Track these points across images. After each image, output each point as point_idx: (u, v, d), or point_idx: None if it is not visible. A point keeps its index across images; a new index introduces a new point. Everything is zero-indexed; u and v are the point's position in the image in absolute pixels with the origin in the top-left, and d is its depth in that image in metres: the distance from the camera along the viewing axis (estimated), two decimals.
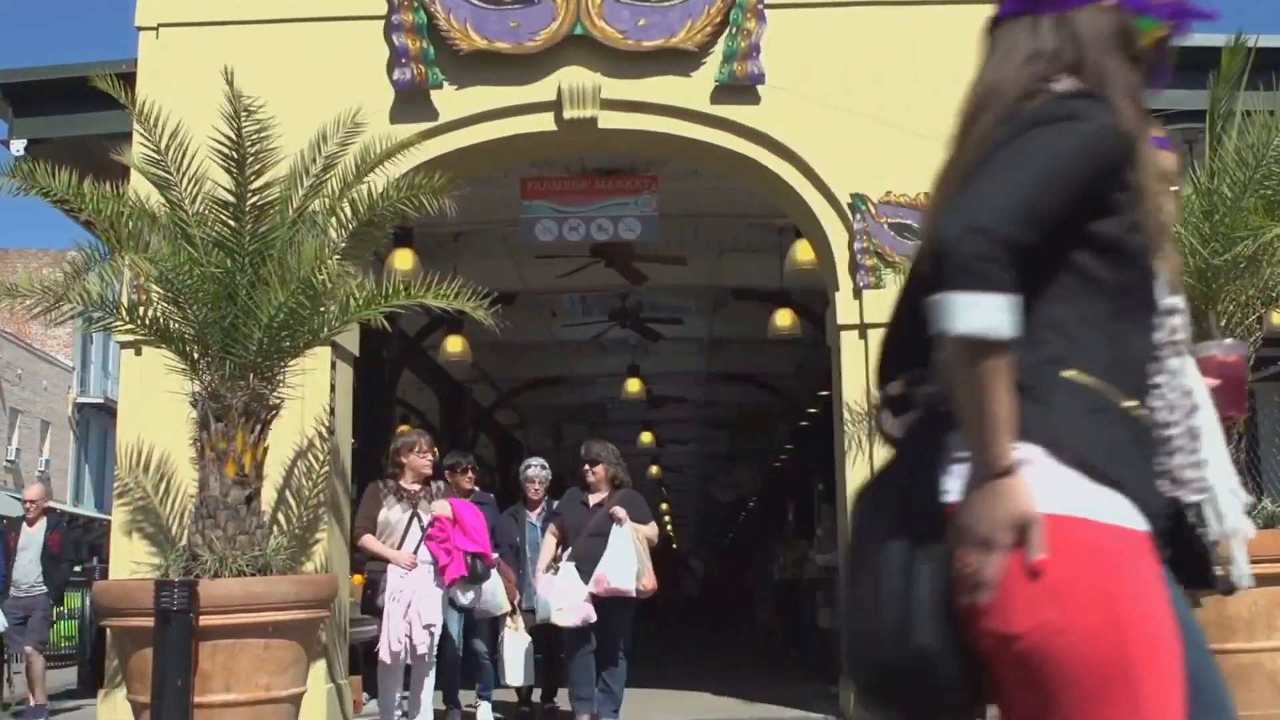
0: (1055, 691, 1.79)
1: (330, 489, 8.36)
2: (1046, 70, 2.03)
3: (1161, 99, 8.50)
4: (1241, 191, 6.91)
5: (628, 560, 7.69)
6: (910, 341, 2.11)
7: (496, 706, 8.65)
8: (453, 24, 8.58)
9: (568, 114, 8.68)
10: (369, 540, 7.54)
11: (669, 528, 37.57)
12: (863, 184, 8.63)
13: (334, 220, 7.05)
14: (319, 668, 7.76)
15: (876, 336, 9.16)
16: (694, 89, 8.75)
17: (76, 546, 12.95)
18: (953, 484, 1.88)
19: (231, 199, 6.65)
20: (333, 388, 8.52)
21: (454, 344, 14.53)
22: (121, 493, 8.26)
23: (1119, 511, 1.83)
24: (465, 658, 8.49)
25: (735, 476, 30.77)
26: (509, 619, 8.27)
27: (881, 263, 8.55)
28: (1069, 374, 1.89)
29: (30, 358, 35.18)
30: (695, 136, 8.86)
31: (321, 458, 8.31)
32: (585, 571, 7.69)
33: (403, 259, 10.81)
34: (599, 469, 8.03)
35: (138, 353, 8.23)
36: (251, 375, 6.63)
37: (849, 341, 8.65)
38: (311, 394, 8.15)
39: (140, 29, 8.78)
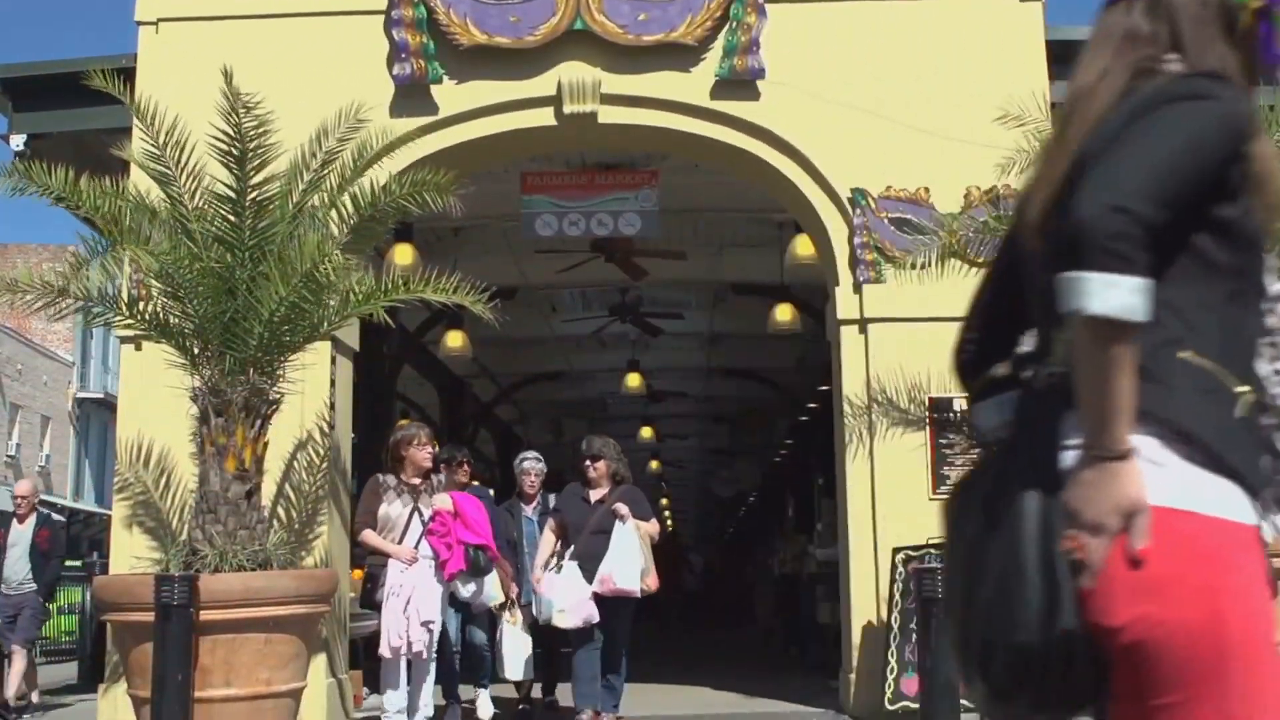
0: (1153, 686, 1.78)
1: (330, 484, 8.36)
2: (1149, 51, 2.01)
3: None
4: None
5: (632, 559, 7.62)
6: (1002, 322, 2.11)
7: (496, 703, 8.64)
8: (453, 19, 8.57)
9: (568, 109, 8.68)
10: (369, 535, 7.50)
11: (669, 523, 37.59)
12: (863, 179, 8.62)
13: (335, 215, 7.05)
14: (319, 663, 7.76)
15: (877, 331, 9.16)
16: (694, 84, 8.74)
17: (76, 541, 12.92)
18: (1072, 466, 1.87)
19: (232, 194, 6.65)
20: (333, 382, 8.52)
21: (454, 339, 14.55)
22: (122, 487, 8.27)
23: (1228, 504, 1.82)
24: (463, 649, 8.48)
25: (735, 471, 30.79)
26: (507, 612, 8.22)
27: (881, 257, 8.55)
28: (1184, 355, 1.87)
29: (30, 353, 35.18)
30: (695, 131, 8.86)
31: (321, 453, 8.31)
32: (588, 570, 7.59)
33: (403, 254, 10.82)
34: (600, 464, 7.95)
35: (138, 348, 8.23)
36: (251, 370, 6.63)
37: (849, 336, 8.65)
38: (311, 389, 8.15)
39: (140, 24, 8.78)
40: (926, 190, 8.58)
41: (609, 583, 7.53)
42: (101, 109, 7.84)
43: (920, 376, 8.45)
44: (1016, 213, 2.20)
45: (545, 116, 8.81)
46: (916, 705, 7.40)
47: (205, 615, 5.95)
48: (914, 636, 7.62)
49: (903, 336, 8.47)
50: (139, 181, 7.19)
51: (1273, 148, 1.96)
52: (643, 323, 15.78)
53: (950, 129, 8.52)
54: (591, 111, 8.71)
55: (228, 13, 8.76)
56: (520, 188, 10.43)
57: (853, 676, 8.40)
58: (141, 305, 7.04)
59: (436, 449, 8.13)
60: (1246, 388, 1.91)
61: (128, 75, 8.24)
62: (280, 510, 8.06)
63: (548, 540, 8.04)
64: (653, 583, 7.80)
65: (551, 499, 8.81)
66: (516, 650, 8.22)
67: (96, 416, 38.44)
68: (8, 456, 33.14)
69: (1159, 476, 1.81)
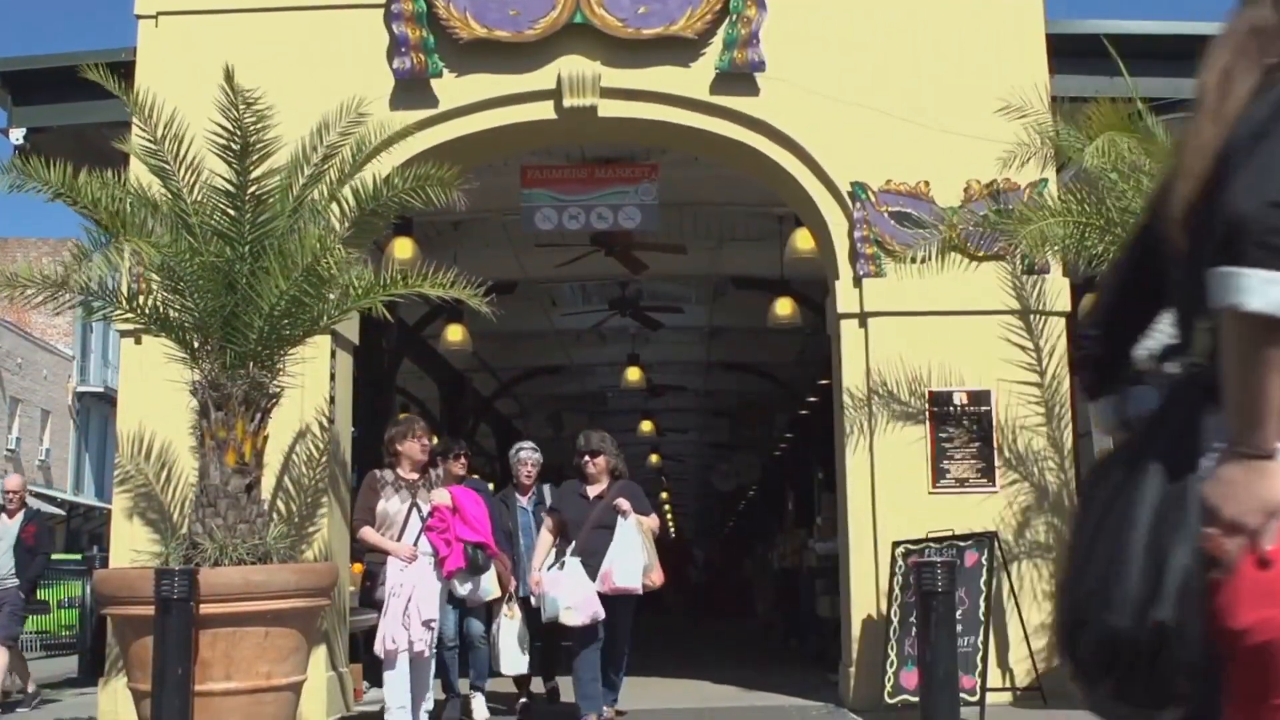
0: (1267, 691, 1.77)
1: (330, 477, 8.36)
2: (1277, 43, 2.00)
3: (1162, 87, 8.50)
4: None
5: (635, 556, 7.56)
6: (1128, 317, 2.11)
7: (495, 696, 8.63)
8: (452, 12, 8.56)
9: (567, 102, 8.67)
10: (367, 532, 7.43)
11: (669, 517, 37.60)
12: (863, 172, 8.62)
13: (335, 209, 7.06)
14: (319, 656, 7.77)
15: (877, 325, 9.16)
16: (694, 78, 8.73)
17: (76, 535, 12.88)
18: (1211, 463, 1.85)
19: (231, 188, 6.65)
20: (333, 376, 8.52)
21: (454, 333, 14.54)
22: (122, 480, 8.27)
23: None
24: (461, 642, 8.44)
25: (735, 465, 30.76)
26: (505, 606, 8.18)
27: (881, 251, 8.55)
28: None
29: (30, 347, 35.18)
30: (695, 125, 8.85)
31: (321, 446, 8.31)
32: (591, 565, 7.54)
33: (402, 247, 10.81)
34: (600, 460, 7.89)
35: (137, 341, 8.23)
36: (251, 363, 6.63)
37: (849, 330, 8.65)
38: (311, 382, 8.16)
39: (140, 17, 8.77)
40: (926, 184, 8.57)
41: (609, 581, 7.48)
42: (102, 103, 7.83)
43: (920, 370, 8.46)
44: (1152, 208, 2.18)
45: (545, 110, 8.81)
46: (916, 698, 7.41)
47: (205, 609, 5.96)
48: (913, 630, 7.63)
49: (903, 330, 8.48)
50: (140, 176, 7.18)
51: None
52: (642, 316, 15.77)
53: (950, 123, 8.52)
54: (591, 105, 8.71)
55: (227, 7, 8.75)
56: (520, 181, 10.42)
57: (852, 670, 8.41)
58: (141, 299, 7.04)
59: (434, 441, 8.09)
60: None
61: (127, 69, 8.24)
62: (280, 504, 8.06)
63: (545, 540, 7.93)
64: (657, 578, 7.74)
65: (546, 490, 8.78)
66: (513, 645, 8.19)
67: (96, 410, 38.45)
68: (8, 450, 33.14)
69: None
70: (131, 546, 7.84)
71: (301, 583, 6.52)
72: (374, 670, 8.23)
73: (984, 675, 7.67)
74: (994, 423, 8.45)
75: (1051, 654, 8.28)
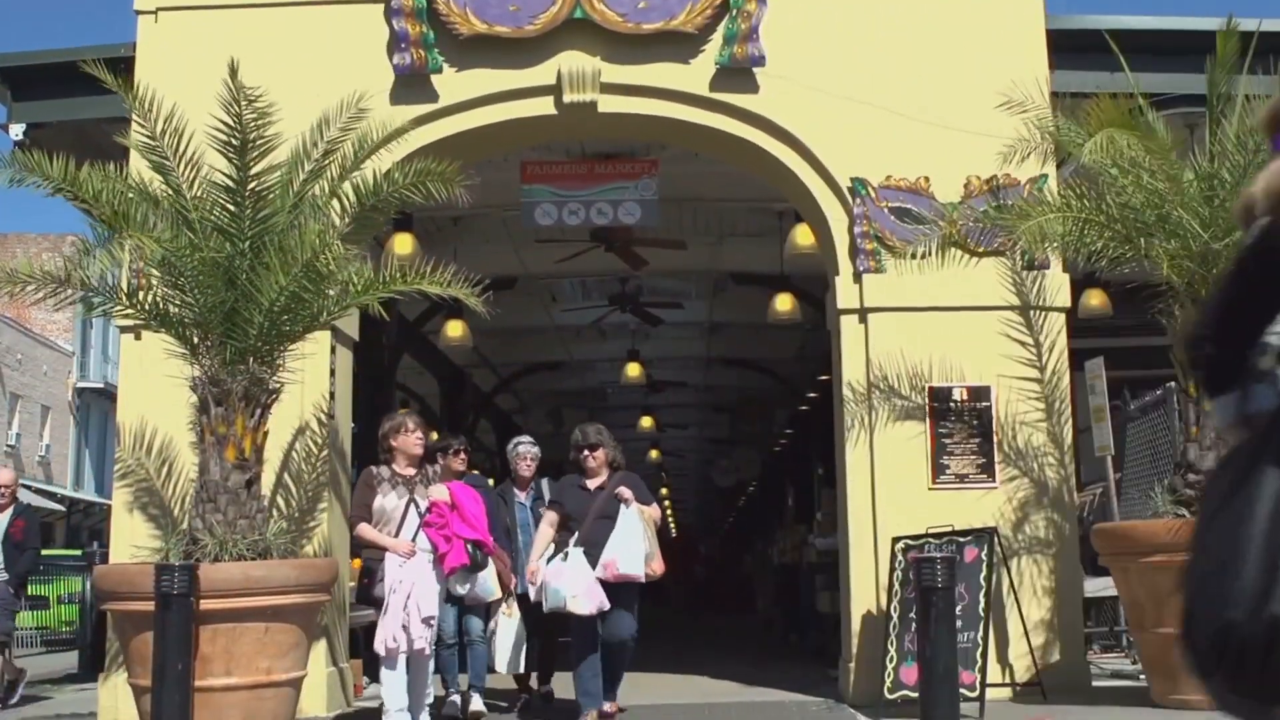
0: None
1: (330, 473, 8.36)
2: None
3: (1162, 83, 8.50)
4: (1241, 176, 6.90)
5: (636, 543, 7.55)
6: (1242, 317, 2.12)
7: (494, 694, 8.63)
8: (452, 8, 8.56)
9: (567, 98, 8.67)
10: (365, 529, 7.36)
11: (669, 513, 37.59)
12: (863, 168, 8.62)
13: (336, 204, 7.06)
14: (319, 651, 7.77)
15: (877, 320, 9.16)
16: (694, 73, 8.73)
17: (76, 531, 12.85)
18: None
19: (232, 184, 6.65)
20: (332, 372, 8.52)
21: (454, 329, 14.53)
22: (123, 474, 8.26)
23: None
24: (460, 639, 8.43)
25: (735, 461, 30.78)
26: (503, 604, 8.16)
27: (881, 247, 8.54)
28: None
29: (30, 343, 35.20)
30: (695, 120, 8.85)
31: (321, 442, 8.31)
32: (594, 556, 7.52)
33: (402, 243, 10.81)
34: (599, 453, 7.88)
35: (137, 337, 8.22)
36: (251, 359, 6.64)
37: (849, 326, 8.65)
38: (311, 378, 8.16)
39: (139, 13, 8.76)
40: (926, 179, 8.57)
41: (613, 568, 7.48)
42: (102, 98, 7.82)
43: (920, 366, 8.46)
44: (1274, 210, 2.17)
45: (545, 105, 8.80)
46: (915, 694, 7.41)
47: (205, 604, 5.97)
48: (913, 625, 7.63)
49: (903, 326, 8.48)
50: (140, 171, 7.18)
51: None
52: (642, 312, 15.78)
53: (951, 118, 8.51)
54: (591, 100, 8.70)
55: (227, 2, 8.75)
56: (520, 177, 10.42)
57: (852, 665, 8.41)
58: (142, 295, 7.05)
59: (432, 436, 8.06)
60: None
61: (127, 65, 8.24)
62: (280, 499, 8.06)
63: (544, 534, 7.89)
64: (658, 567, 7.72)
65: (544, 485, 8.77)
66: (510, 642, 8.18)
67: (96, 406, 38.47)
68: (8, 446, 33.17)
69: None
70: (131, 542, 7.84)
71: (301, 578, 6.54)
72: (374, 665, 8.21)
73: (984, 671, 7.67)
74: (994, 418, 8.45)
75: (1050, 649, 8.31)
